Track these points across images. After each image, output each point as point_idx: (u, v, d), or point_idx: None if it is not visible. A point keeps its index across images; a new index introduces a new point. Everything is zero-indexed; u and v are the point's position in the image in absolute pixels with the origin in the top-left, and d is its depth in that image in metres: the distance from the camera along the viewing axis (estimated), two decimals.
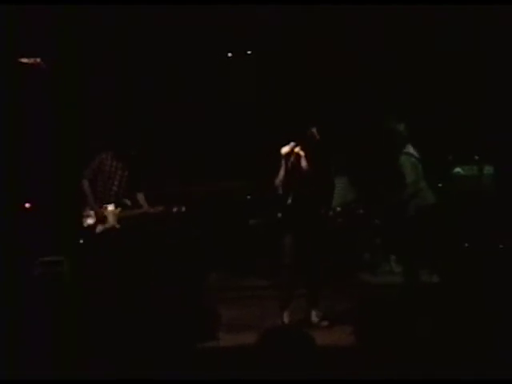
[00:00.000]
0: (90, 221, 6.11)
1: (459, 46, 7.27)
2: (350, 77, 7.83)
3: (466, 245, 6.72)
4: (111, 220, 6.10)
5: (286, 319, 5.46)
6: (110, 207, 6.12)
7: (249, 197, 8.00)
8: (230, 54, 8.31)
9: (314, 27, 7.52)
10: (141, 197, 6.27)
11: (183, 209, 6.06)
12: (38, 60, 5.83)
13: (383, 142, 6.18)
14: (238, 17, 7.34)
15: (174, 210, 6.07)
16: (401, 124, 6.05)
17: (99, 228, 6.10)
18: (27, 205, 7.26)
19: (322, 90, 8.03)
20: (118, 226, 6.09)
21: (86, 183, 6.15)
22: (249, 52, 8.30)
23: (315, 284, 5.56)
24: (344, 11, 7.19)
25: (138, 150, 6.20)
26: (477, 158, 6.91)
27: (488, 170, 6.91)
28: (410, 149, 6.06)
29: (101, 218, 6.09)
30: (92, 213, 6.11)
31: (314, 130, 5.50)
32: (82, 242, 6.16)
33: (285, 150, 5.42)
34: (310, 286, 5.56)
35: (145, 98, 7.87)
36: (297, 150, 5.41)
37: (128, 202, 6.19)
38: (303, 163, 5.40)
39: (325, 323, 5.50)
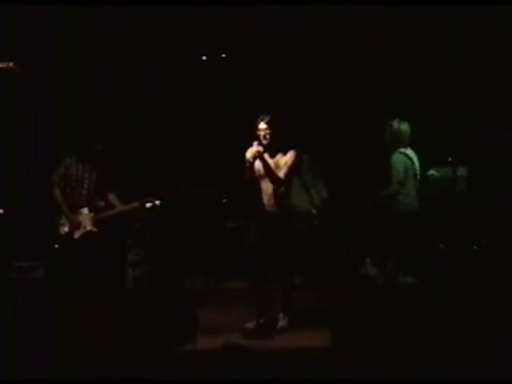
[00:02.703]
0: (66, 228, 6.09)
1: (458, 46, 7.32)
2: (349, 77, 7.85)
3: (442, 246, 6.77)
4: (87, 224, 6.08)
5: (259, 322, 5.42)
6: (85, 211, 6.09)
7: (224, 200, 8.01)
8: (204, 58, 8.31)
9: (314, 27, 7.54)
10: (113, 197, 6.26)
11: (157, 202, 6.05)
12: (11, 64, 5.78)
13: (380, 140, 6.18)
14: (238, 17, 7.35)
15: (148, 205, 6.07)
16: (404, 124, 6.05)
17: (76, 234, 6.08)
18: (1, 210, 7.18)
19: (321, 91, 8.06)
20: (94, 229, 6.08)
21: (57, 191, 6.11)
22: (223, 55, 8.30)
23: (286, 288, 5.53)
24: (344, 11, 7.21)
25: (103, 146, 6.17)
26: (450, 159, 6.97)
27: (462, 171, 6.98)
28: (409, 151, 6.05)
29: (76, 224, 6.07)
30: (67, 220, 6.08)
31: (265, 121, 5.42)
32: (57, 246, 6.13)
33: (249, 154, 5.38)
34: (281, 290, 5.54)
35: (118, 99, 7.85)
36: (258, 149, 5.38)
37: (101, 204, 6.18)
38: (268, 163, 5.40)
39: (285, 326, 5.44)
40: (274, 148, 5.44)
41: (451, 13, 6.99)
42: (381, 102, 7.40)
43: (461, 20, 7.07)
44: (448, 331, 4.69)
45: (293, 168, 5.48)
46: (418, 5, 6.83)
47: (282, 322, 5.47)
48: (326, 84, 7.97)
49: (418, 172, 6.13)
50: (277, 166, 5.44)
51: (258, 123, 5.42)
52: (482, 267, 6.31)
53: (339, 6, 7.00)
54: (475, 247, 6.70)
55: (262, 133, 5.39)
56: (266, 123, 5.39)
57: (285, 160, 5.45)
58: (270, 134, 5.38)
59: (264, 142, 5.38)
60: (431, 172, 7.01)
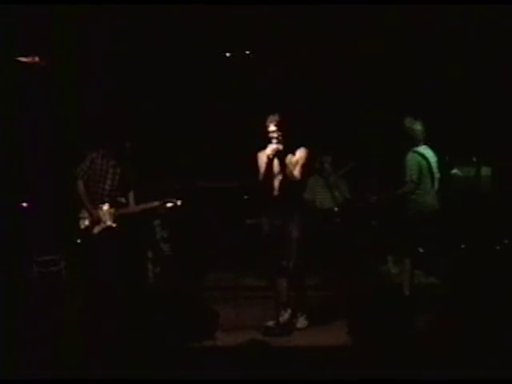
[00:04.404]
0: (87, 222, 6.11)
1: (459, 46, 7.25)
2: (350, 77, 7.81)
3: (463, 246, 6.72)
4: (107, 220, 6.09)
5: (279, 320, 5.41)
6: (105, 207, 6.11)
7: (246, 196, 8.00)
8: (228, 54, 8.30)
9: (314, 27, 7.51)
10: (131, 195, 6.28)
11: (179, 203, 6.05)
12: (37, 58, 5.83)
13: (392, 140, 6.14)
14: (238, 16, 7.34)
15: (169, 205, 6.07)
16: (416, 123, 5.98)
17: (96, 229, 6.09)
18: (24, 204, 7.25)
19: (322, 91, 8.03)
20: (114, 225, 6.09)
21: (80, 184, 6.13)
22: (247, 52, 8.30)
23: (299, 285, 5.51)
24: (344, 11, 7.17)
25: (132, 143, 6.20)
26: (474, 159, 6.91)
27: (486, 171, 6.91)
28: (422, 149, 5.95)
29: (97, 219, 6.09)
30: (88, 214, 6.11)
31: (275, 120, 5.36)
32: (79, 242, 6.16)
33: (269, 151, 5.35)
34: (295, 288, 5.52)
35: (142, 96, 7.88)
36: (278, 147, 5.35)
37: (123, 200, 6.19)
38: (286, 162, 5.37)
39: (304, 323, 5.46)
40: (285, 148, 5.40)
41: (451, 13, 6.92)
42: (404, 102, 7.35)
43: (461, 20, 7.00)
44: (468, 330, 4.67)
45: (306, 167, 5.47)
46: (417, 5, 6.77)
47: (301, 319, 5.47)
48: (325, 85, 7.97)
49: (436, 171, 6.03)
50: (291, 164, 5.42)
51: (268, 126, 5.38)
52: (505, 268, 6.26)
53: (339, 5, 6.95)
54: (498, 247, 6.65)
55: (274, 134, 5.36)
56: (275, 125, 5.35)
57: (296, 159, 5.43)
58: (281, 136, 5.35)
59: (277, 142, 5.35)
60: (454, 171, 6.96)
